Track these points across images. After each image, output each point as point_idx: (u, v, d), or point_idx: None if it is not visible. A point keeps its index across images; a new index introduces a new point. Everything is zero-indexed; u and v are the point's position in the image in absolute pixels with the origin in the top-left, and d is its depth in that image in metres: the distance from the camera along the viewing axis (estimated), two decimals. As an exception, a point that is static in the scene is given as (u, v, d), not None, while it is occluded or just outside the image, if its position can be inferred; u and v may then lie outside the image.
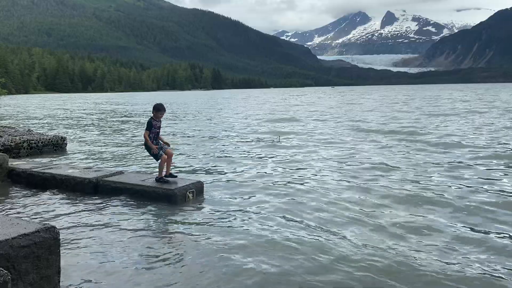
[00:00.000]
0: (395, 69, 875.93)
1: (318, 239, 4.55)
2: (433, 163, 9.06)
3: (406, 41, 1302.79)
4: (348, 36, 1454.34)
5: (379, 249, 4.26)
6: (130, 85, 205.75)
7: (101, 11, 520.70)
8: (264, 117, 24.78)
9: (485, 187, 6.88)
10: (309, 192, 6.73)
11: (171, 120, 23.44)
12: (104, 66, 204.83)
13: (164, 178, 6.41)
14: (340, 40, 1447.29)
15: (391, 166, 8.79)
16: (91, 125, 21.33)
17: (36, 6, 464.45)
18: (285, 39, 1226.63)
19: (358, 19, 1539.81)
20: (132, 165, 9.54)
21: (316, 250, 4.21)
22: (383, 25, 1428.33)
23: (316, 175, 8.12)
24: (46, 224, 3.35)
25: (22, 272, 3.03)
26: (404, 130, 15.75)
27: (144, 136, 6.25)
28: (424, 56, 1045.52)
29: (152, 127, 6.31)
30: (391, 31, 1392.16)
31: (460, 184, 7.10)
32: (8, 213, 5.22)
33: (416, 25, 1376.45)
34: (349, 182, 7.39)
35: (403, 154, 10.53)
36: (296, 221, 5.23)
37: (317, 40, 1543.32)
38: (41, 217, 5.06)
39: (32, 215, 5.17)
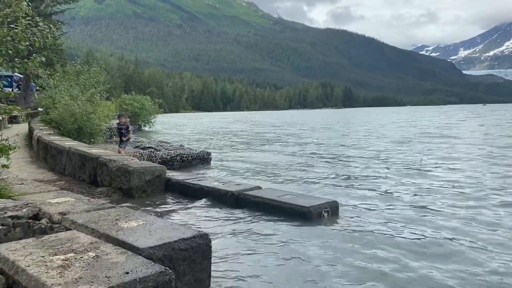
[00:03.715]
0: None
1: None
2: None
3: None
4: (501, 48, 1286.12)
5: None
6: (264, 104, 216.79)
7: (241, 36, 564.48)
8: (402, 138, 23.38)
9: None
10: (454, 221, 6.06)
11: (303, 142, 23.75)
12: (242, 87, 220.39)
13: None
14: (491, 53, 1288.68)
15: None
16: (230, 141, 23.02)
17: (188, 35, 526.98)
18: (425, 53, 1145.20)
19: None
20: (267, 180, 9.95)
21: None
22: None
23: (464, 201, 7.29)
24: (200, 231, 3.71)
25: (180, 273, 3.38)
26: None
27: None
28: None
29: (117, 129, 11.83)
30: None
31: None
32: (167, 218, 5.92)
33: None
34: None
35: None
36: (441, 251, 4.75)
37: (462, 53, 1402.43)
38: (193, 224, 5.61)
39: (185, 222, 5.76)
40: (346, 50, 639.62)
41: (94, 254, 2.91)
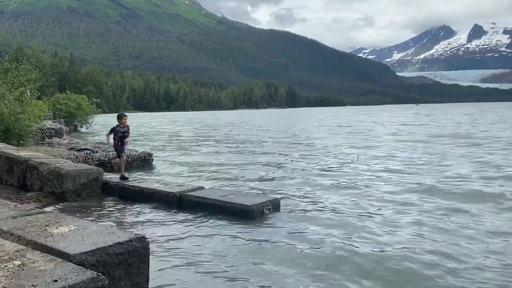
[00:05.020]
0: (484, 85, 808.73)
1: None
2: None
3: (496, 55, 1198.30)
4: (431, 52, 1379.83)
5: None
6: (209, 104, 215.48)
7: (184, 35, 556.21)
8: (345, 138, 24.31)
9: None
10: (387, 216, 6.43)
11: (248, 142, 23.93)
12: (186, 87, 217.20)
13: (124, 176, 7.88)
14: (421, 56, 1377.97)
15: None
16: (173, 142, 22.61)
17: (128, 32, 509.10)
18: (362, 56, 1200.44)
19: (441, 34, 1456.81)
20: (210, 180, 9.90)
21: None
22: (470, 39, 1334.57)
23: (396, 198, 7.75)
24: (137, 234, 3.61)
25: (116, 279, 3.28)
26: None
27: (107, 137, 8.23)
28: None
29: (116, 132, 8.03)
30: (479, 45, 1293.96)
31: None
32: (102, 222, 5.70)
33: (508, 38, 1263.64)
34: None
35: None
36: (373, 244, 5.02)
37: (396, 56, 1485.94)
38: (131, 227, 5.45)
39: (123, 225, 5.59)
40: (289, 51, 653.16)
41: (19, 263, 2.74)
